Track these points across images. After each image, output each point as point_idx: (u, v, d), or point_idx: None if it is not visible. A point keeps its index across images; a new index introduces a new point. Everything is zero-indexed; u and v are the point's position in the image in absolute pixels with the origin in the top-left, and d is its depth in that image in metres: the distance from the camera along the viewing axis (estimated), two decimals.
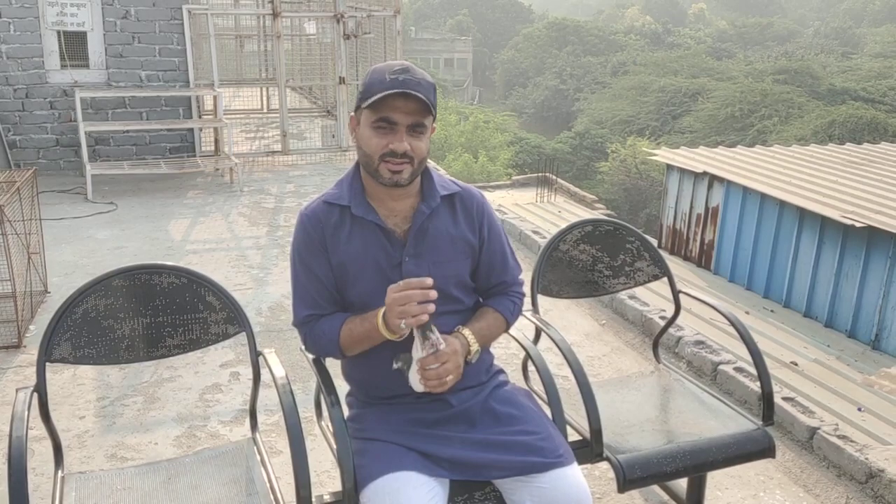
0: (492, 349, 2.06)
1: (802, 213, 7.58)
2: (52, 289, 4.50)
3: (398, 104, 1.74)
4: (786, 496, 2.81)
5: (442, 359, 1.75)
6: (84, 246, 5.44)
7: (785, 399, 3.21)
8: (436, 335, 1.76)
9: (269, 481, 1.99)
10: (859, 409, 5.28)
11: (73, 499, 1.94)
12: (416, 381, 1.80)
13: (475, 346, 1.87)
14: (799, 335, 6.95)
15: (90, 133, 7.14)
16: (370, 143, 1.78)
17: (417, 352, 1.77)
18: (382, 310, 1.77)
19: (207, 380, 3.55)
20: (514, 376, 2.60)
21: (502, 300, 2.00)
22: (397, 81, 1.73)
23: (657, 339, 2.79)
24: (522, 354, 2.39)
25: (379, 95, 1.73)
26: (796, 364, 6.13)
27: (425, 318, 1.71)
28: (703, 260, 9.04)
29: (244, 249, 5.48)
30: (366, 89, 1.78)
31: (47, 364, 1.98)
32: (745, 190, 8.34)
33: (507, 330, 2.03)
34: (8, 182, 4.06)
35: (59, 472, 2.03)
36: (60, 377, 3.53)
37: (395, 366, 1.81)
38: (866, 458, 2.76)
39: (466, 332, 1.87)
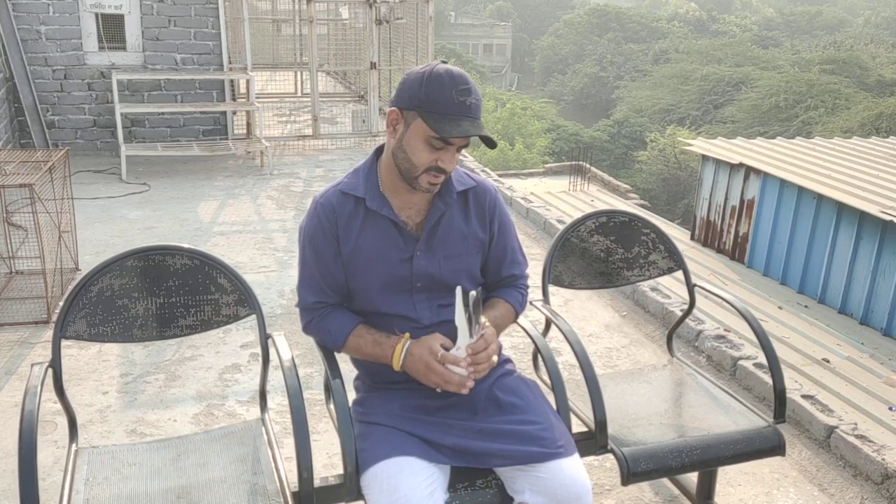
0: (503, 338, 2.07)
1: (840, 208, 7.40)
2: (84, 266, 4.60)
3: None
4: (799, 494, 2.77)
5: (489, 339, 1.81)
6: (116, 225, 5.55)
7: (804, 397, 3.16)
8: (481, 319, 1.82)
9: (274, 461, 2.03)
10: (890, 409, 5.17)
11: (84, 472, 1.99)
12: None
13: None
14: (833, 332, 6.81)
15: (126, 114, 7.28)
16: (420, 156, 1.75)
17: (465, 339, 1.79)
18: (400, 348, 1.82)
19: (227, 360, 3.61)
20: (527, 366, 2.60)
21: (511, 292, 2.03)
22: (464, 106, 1.70)
23: (671, 333, 2.77)
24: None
25: (448, 118, 1.69)
26: (828, 361, 6.02)
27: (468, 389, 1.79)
28: (737, 253, 8.89)
29: (270, 232, 5.54)
30: (428, 100, 1.71)
31: (74, 340, 2.05)
32: (783, 182, 8.16)
33: (515, 320, 2.07)
34: (42, 161, 4.16)
35: (73, 445, 2.09)
36: (86, 353, 3.62)
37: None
38: (883, 459, 2.70)
39: (483, 319, 1.89)
